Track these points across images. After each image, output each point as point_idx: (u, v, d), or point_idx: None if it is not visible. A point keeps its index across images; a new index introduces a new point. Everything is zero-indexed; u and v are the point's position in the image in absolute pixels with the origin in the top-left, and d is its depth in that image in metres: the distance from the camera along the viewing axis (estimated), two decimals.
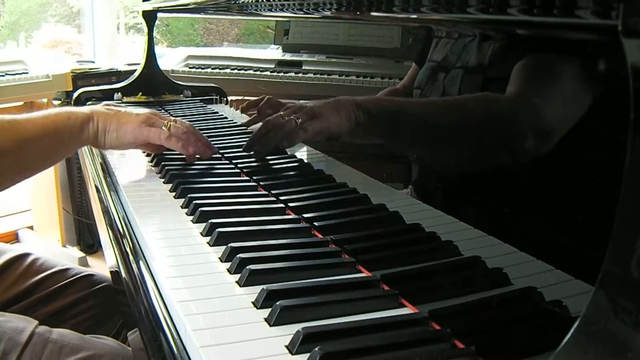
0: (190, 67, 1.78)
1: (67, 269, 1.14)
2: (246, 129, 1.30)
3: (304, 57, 1.24)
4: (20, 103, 2.45)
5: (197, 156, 1.03)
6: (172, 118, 1.02)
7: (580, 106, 0.54)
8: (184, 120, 1.04)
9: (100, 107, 1.00)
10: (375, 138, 0.88)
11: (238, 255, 0.65)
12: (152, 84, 1.75)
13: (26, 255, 1.15)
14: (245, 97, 1.47)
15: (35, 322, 0.90)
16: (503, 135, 0.63)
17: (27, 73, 2.33)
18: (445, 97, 0.70)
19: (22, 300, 1.08)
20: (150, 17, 1.74)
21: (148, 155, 1.12)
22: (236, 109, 1.54)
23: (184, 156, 1.07)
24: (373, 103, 0.86)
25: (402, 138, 0.79)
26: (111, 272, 0.87)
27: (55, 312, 1.08)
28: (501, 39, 0.63)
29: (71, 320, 1.08)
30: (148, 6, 1.71)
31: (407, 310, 0.57)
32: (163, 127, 0.98)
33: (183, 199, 0.86)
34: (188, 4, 1.43)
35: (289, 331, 0.51)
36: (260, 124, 1.05)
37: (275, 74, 1.32)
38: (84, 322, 1.08)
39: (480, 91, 0.68)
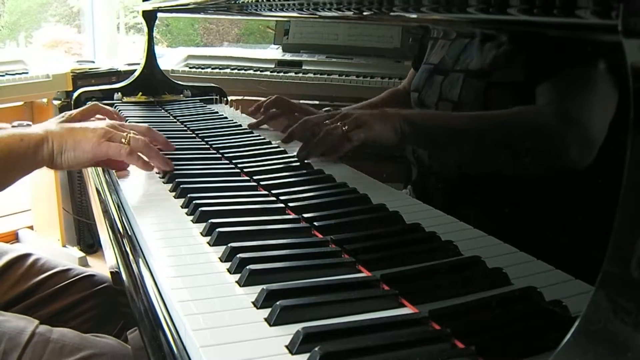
0: (190, 67, 1.78)
1: (68, 270, 1.14)
2: (246, 129, 1.30)
3: (304, 57, 1.24)
4: (20, 103, 2.45)
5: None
6: (131, 126, 0.98)
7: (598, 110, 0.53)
8: (141, 125, 1.01)
9: (55, 126, 0.95)
10: (418, 149, 0.87)
11: (238, 255, 0.65)
12: (152, 84, 1.75)
13: (27, 255, 1.15)
14: (246, 97, 1.47)
15: (36, 321, 0.90)
16: (533, 144, 0.61)
17: (27, 73, 2.33)
18: (491, 112, 0.69)
19: (23, 301, 1.08)
20: (150, 17, 1.74)
21: None
22: (236, 109, 1.54)
23: (183, 156, 1.07)
24: (419, 116, 0.84)
25: (445, 150, 0.78)
26: (111, 272, 0.87)
27: (56, 312, 1.08)
28: (503, 40, 0.63)
29: (72, 320, 1.08)
30: (148, 6, 1.71)
31: (407, 310, 0.57)
32: (123, 140, 0.93)
33: (183, 199, 0.86)
34: (188, 4, 1.43)
35: (289, 331, 0.51)
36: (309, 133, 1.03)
37: (275, 74, 1.32)
38: (85, 323, 1.08)
39: (482, 95, 0.67)
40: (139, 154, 0.95)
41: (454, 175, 0.76)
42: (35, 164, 0.92)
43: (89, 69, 2.51)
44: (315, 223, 0.76)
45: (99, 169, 1.09)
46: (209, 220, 0.75)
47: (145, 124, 1.01)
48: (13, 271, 1.11)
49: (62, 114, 1.34)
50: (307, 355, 0.48)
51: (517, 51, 0.62)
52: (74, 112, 1.34)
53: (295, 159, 1.03)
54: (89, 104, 1.27)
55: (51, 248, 2.54)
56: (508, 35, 0.62)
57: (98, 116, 1.26)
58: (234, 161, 1.06)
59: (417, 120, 0.84)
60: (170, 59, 1.82)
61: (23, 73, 2.32)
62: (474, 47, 0.67)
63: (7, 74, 2.27)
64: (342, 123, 0.93)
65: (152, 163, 0.97)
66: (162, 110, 1.61)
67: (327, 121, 0.96)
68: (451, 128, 0.75)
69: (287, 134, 1.09)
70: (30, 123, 1.32)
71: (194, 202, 0.82)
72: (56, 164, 0.92)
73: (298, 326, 0.51)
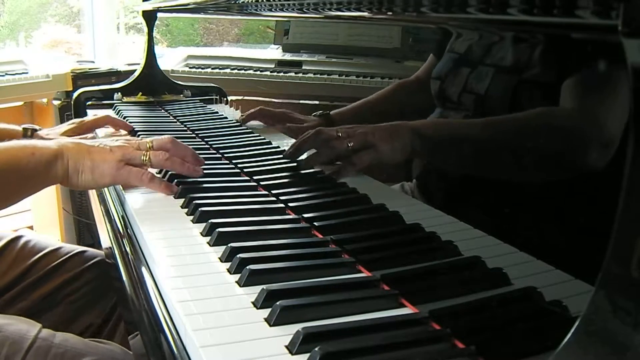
0: (190, 67, 1.78)
1: (59, 248, 1.16)
2: (246, 129, 1.30)
3: (304, 57, 1.24)
4: (20, 103, 2.45)
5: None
6: (149, 142, 0.90)
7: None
8: (164, 137, 0.93)
9: (70, 141, 0.89)
10: (431, 162, 0.84)
11: (238, 255, 0.65)
12: (152, 84, 1.75)
13: (18, 238, 1.16)
14: (245, 97, 1.47)
15: (39, 325, 0.89)
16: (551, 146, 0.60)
17: (27, 73, 2.32)
18: (506, 116, 0.67)
19: (18, 284, 1.09)
20: (150, 17, 1.74)
21: None
22: (236, 109, 1.54)
23: None
24: (431, 128, 0.80)
25: (454, 157, 0.75)
26: (105, 249, 0.86)
27: (51, 291, 1.09)
28: (537, 40, 0.61)
29: (67, 298, 1.09)
30: (148, 6, 1.71)
31: (407, 310, 0.57)
32: (143, 158, 0.87)
33: (183, 199, 0.86)
34: (188, 4, 1.43)
35: (289, 331, 0.51)
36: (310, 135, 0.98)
37: (275, 74, 1.32)
38: (79, 299, 1.09)
39: (511, 93, 0.65)
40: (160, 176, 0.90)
41: (456, 175, 0.76)
42: (47, 181, 0.87)
43: (89, 69, 2.51)
44: (315, 223, 0.76)
45: None
46: (209, 221, 0.75)
47: (169, 136, 0.94)
48: (5, 255, 1.12)
49: (72, 121, 1.33)
50: (307, 355, 0.48)
51: (550, 51, 0.60)
52: (85, 119, 1.33)
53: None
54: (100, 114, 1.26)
55: None
56: (542, 34, 0.60)
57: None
58: (234, 161, 1.06)
59: (429, 132, 0.80)
60: (170, 59, 1.82)
61: (23, 73, 2.32)
62: (506, 42, 0.65)
63: (7, 74, 2.27)
64: (349, 140, 0.87)
65: (181, 173, 0.92)
66: (162, 110, 1.61)
67: (339, 134, 0.90)
68: (464, 137, 0.73)
69: (296, 147, 1.01)
70: (39, 128, 1.28)
71: (194, 202, 0.82)
72: (72, 183, 0.87)
73: (298, 326, 0.51)
